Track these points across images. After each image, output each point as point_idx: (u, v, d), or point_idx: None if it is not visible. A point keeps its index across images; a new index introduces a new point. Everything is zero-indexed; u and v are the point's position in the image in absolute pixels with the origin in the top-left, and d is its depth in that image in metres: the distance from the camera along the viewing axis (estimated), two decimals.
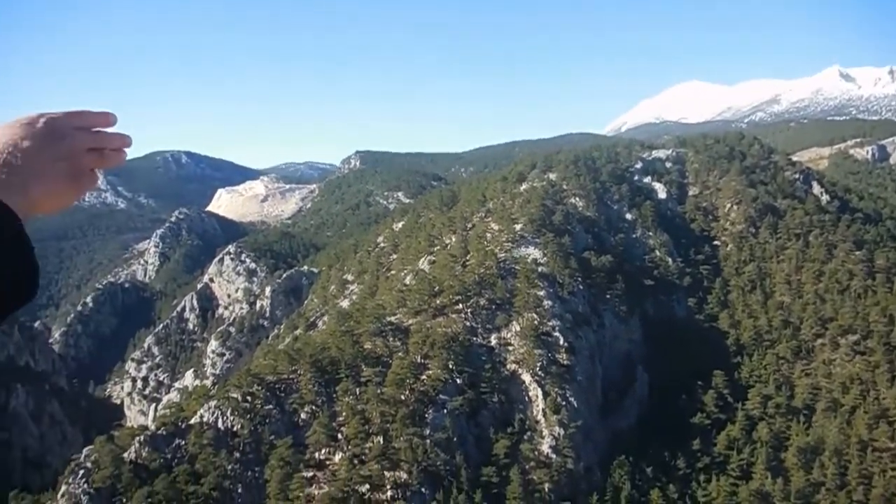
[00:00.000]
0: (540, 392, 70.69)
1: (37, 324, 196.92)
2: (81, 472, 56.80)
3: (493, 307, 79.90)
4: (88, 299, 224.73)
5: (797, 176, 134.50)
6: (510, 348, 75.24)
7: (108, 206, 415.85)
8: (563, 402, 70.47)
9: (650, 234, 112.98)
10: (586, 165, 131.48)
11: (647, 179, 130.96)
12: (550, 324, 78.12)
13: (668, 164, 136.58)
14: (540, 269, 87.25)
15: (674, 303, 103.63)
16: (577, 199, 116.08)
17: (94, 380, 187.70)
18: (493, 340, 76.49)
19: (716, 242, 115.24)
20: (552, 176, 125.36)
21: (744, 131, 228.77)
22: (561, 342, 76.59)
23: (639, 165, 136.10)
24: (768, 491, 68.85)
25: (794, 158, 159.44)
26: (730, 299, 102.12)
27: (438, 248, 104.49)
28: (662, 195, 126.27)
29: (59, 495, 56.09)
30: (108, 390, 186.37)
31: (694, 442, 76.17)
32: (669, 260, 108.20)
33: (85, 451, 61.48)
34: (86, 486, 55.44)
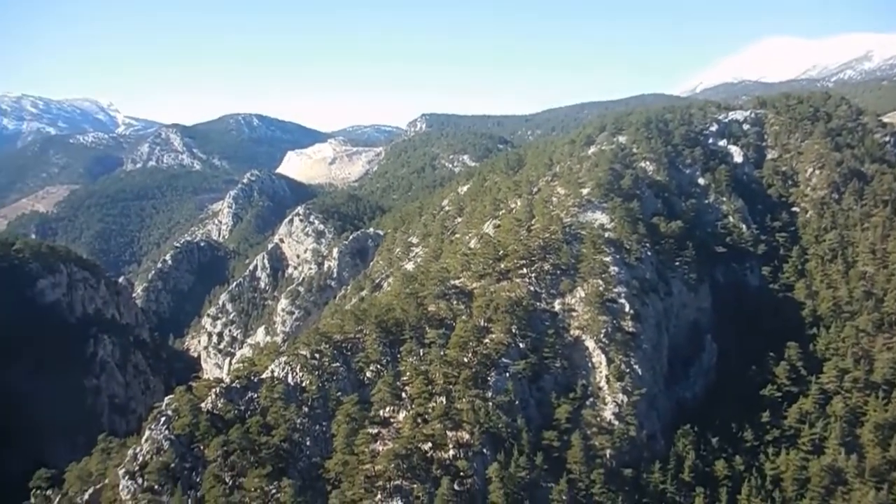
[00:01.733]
0: (604, 358, 70.09)
1: (121, 279, 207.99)
2: (163, 419, 60.32)
3: (558, 272, 79.22)
4: (167, 257, 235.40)
5: (888, 139, 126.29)
6: (574, 314, 74.63)
7: (184, 167, 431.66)
8: (628, 370, 69.71)
9: (724, 199, 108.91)
10: (658, 128, 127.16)
11: (722, 142, 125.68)
12: (616, 290, 76.91)
13: (746, 127, 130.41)
14: (606, 234, 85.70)
15: (746, 271, 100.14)
16: (648, 162, 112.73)
17: (173, 333, 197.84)
18: (557, 306, 76.03)
19: (794, 209, 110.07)
20: (622, 139, 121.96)
21: (830, 91, 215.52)
22: (626, 309, 75.40)
23: (714, 128, 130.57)
24: (841, 467, 66.65)
25: (885, 120, 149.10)
26: (807, 268, 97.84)
27: (503, 211, 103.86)
28: (738, 159, 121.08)
29: (143, 440, 59.85)
30: (186, 343, 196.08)
31: (763, 414, 74.23)
32: (743, 227, 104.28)
33: (166, 399, 65.12)
34: (167, 432, 58.91)
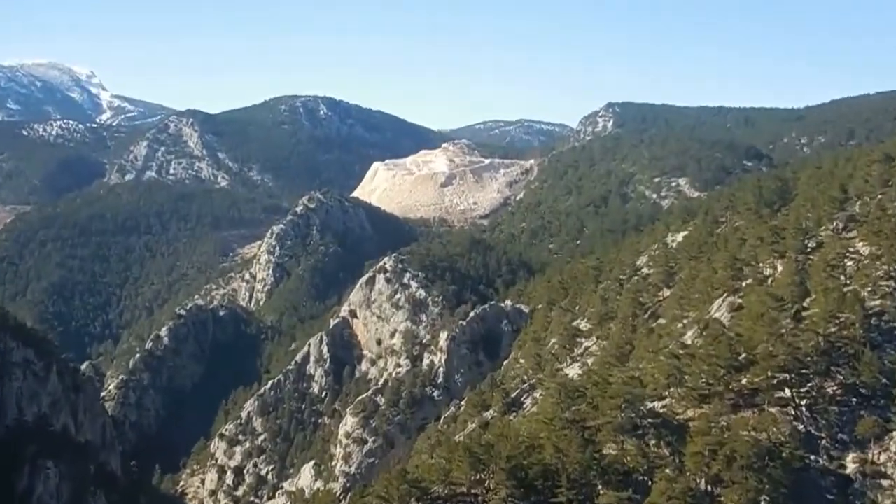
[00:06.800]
0: None
1: (84, 366, 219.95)
2: None
3: (854, 400, 75.48)
4: (163, 332, 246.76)
5: None
6: (885, 484, 70.44)
7: (201, 180, 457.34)
8: None
9: None
10: None
11: None
12: None
13: None
14: None
15: None
16: None
17: (161, 463, 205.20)
18: (851, 463, 72.15)
19: None
20: None
21: None
22: None
23: None
24: None
25: None
26: None
27: (750, 281, 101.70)
28: None
29: None
30: (183, 483, 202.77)
31: None
32: None
33: None
34: None
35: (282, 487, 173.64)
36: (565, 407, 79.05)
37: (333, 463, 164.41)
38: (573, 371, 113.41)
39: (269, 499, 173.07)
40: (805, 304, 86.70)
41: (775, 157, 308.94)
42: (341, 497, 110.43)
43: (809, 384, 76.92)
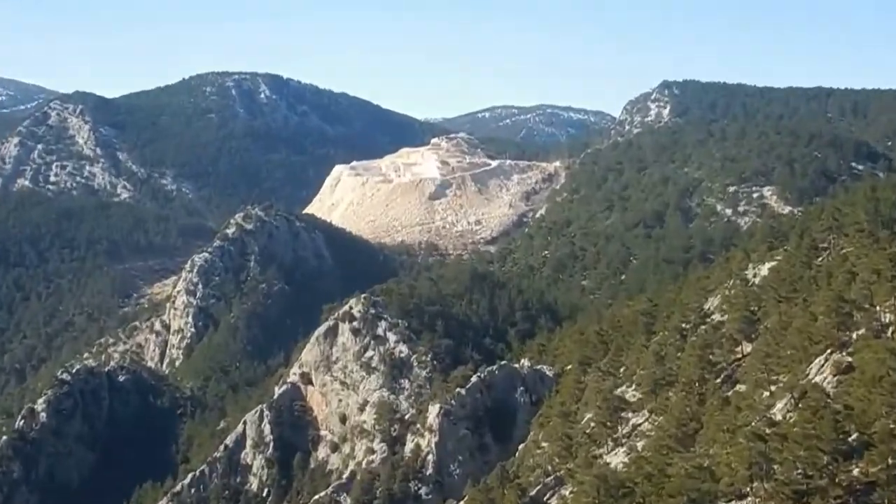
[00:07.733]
0: None
1: None
2: None
3: None
4: (39, 404, 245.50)
5: None
6: None
7: (94, 191, 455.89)
8: None
9: None
10: None
11: None
12: None
13: None
14: None
15: None
16: None
17: None
18: None
19: None
20: None
21: None
22: None
23: None
24: None
25: None
26: None
27: (863, 332, 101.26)
28: None
29: None
30: None
31: None
32: None
33: None
34: None
35: None
36: None
37: None
38: (616, 459, 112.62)
39: None
40: None
41: (895, 157, 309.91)
42: None
43: None
